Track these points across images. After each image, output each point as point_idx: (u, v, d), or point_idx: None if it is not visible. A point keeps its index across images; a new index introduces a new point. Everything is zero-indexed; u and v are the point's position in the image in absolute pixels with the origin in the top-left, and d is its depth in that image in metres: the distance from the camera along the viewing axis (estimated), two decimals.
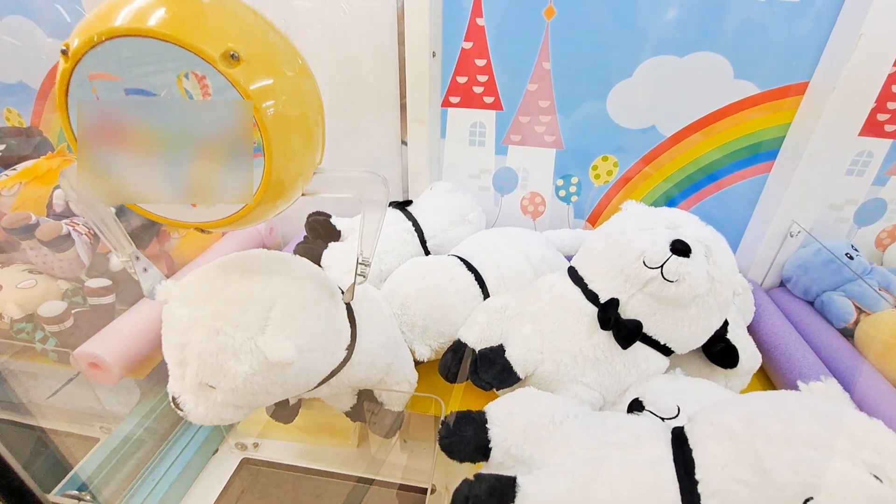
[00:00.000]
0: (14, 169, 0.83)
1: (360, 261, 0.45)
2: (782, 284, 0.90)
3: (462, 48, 0.84)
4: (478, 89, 0.87)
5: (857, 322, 0.76)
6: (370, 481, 0.66)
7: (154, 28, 0.29)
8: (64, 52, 0.30)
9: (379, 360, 0.57)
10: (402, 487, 0.65)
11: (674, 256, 0.53)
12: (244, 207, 0.36)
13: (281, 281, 0.43)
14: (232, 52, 0.30)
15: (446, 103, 0.89)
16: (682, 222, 0.57)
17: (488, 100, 0.87)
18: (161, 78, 0.31)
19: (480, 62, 0.84)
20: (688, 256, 0.53)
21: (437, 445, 0.48)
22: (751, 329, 0.76)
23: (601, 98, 0.83)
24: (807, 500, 0.32)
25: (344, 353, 0.49)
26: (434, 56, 0.82)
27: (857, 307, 0.77)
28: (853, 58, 0.70)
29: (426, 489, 0.61)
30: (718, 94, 0.80)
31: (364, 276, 0.45)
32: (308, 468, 0.68)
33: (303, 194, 0.41)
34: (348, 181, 0.42)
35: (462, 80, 0.86)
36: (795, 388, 0.43)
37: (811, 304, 0.83)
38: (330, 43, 0.88)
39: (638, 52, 0.79)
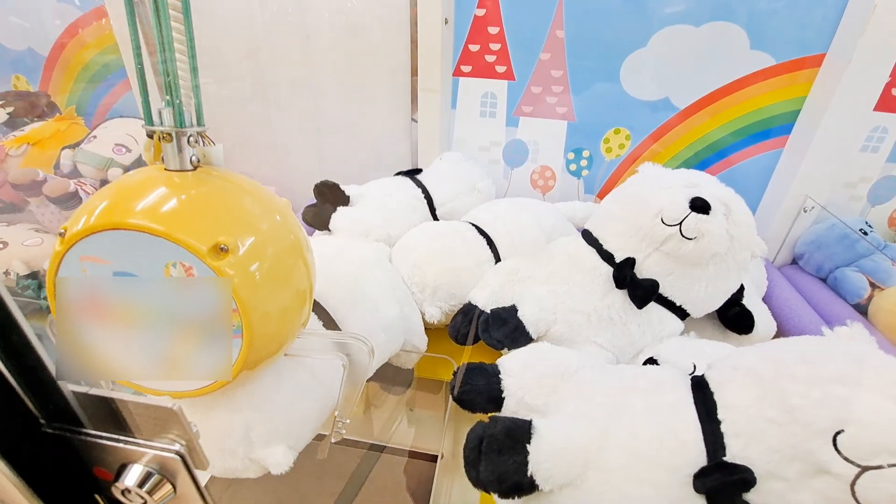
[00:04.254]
0: (22, 130, 0.82)
1: (336, 417, 0.45)
2: (794, 262, 0.89)
3: (475, 15, 0.83)
4: (490, 58, 0.86)
5: (870, 298, 0.75)
6: (380, 448, 0.65)
7: (149, 225, 0.30)
8: (61, 235, 0.31)
9: (384, 353, 0.55)
10: (411, 455, 0.64)
11: (693, 213, 0.52)
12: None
13: (245, 394, 0.41)
14: (222, 245, 0.31)
15: (458, 72, 0.88)
16: (701, 182, 0.56)
17: (500, 69, 0.86)
18: (149, 264, 0.31)
19: (493, 30, 0.83)
20: (707, 214, 0.52)
21: (446, 413, 0.47)
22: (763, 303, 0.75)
23: (615, 68, 0.82)
24: (837, 434, 0.31)
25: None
26: (446, 23, 0.82)
27: (870, 282, 0.76)
28: (868, 30, 0.69)
29: (435, 456, 0.60)
30: (734, 66, 0.79)
31: (341, 435, 0.45)
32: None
33: (285, 354, 0.41)
34: (335, 345, 0.41)
35: (474, 48, 0.86)
36: None
37: (823, 281, 0.82)
38: (339, 12, 0.87)
39: (653, 20, 0.78)
